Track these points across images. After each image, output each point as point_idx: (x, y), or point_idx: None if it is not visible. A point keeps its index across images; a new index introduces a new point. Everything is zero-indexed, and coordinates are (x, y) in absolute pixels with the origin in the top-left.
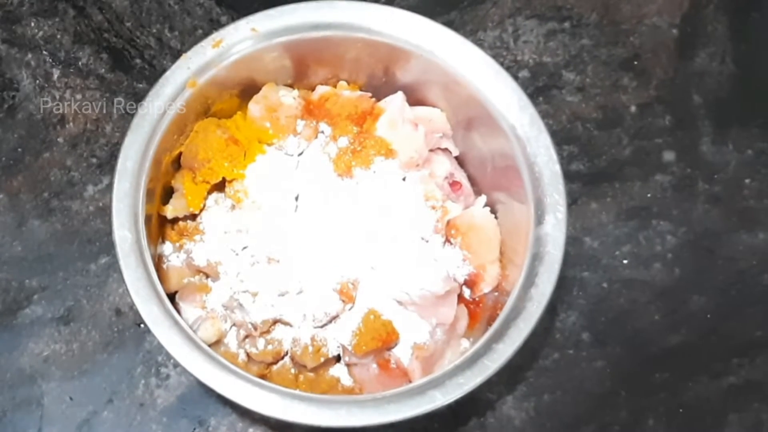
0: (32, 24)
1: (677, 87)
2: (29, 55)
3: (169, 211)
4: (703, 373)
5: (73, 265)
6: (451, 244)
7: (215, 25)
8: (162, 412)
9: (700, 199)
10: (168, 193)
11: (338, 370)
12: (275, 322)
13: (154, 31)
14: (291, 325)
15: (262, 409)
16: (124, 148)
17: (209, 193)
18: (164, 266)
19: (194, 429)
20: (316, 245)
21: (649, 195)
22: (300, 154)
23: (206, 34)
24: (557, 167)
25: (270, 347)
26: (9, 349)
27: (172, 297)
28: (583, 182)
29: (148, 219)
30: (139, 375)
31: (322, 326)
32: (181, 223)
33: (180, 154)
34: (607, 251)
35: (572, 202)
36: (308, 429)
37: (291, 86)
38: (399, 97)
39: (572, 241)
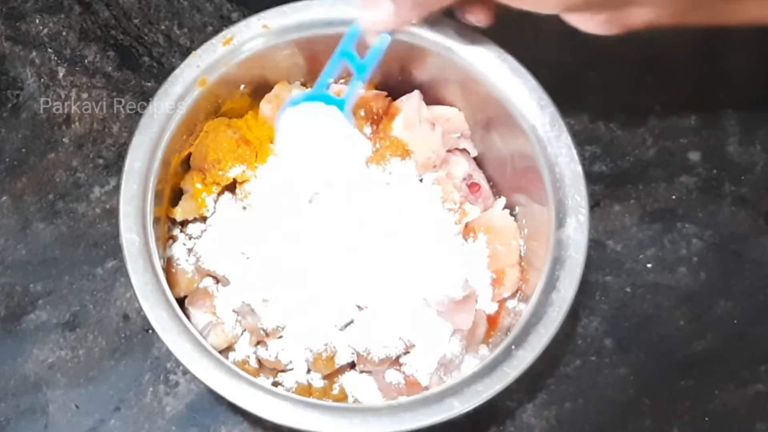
0: (37, 21)
1: (703, 86)
2: (34, 53)
3: (178, 213)
4: (730, 381)
5: (79, 269)
6: (470, 247)
7: (226, 21)
8: (171, 420)
9: (726, 201)
10: (177, 195)
11: (352, 378)
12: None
13: (163, 28)
14: (304, 331)
15: (274, 418)
16: (132, 149)
17: (219, 194)
18: (173, 270)
19: None
20: (330, 248)
21: (673, 197)
22: None
23: (216, 31)
24: (579, 168)
25: (282, 353)
26: (13, 355)
27: (181, 302)
28: (606, 184)
29: (156, 221)
30: (147, 382)
31: (336, 332)
32: (190, 225)
33: (189, 154)
34: (631, 255)
35: (594, 204)
36: None
37: (304, 85)
38: (416, 96)
39: (594, 245)
